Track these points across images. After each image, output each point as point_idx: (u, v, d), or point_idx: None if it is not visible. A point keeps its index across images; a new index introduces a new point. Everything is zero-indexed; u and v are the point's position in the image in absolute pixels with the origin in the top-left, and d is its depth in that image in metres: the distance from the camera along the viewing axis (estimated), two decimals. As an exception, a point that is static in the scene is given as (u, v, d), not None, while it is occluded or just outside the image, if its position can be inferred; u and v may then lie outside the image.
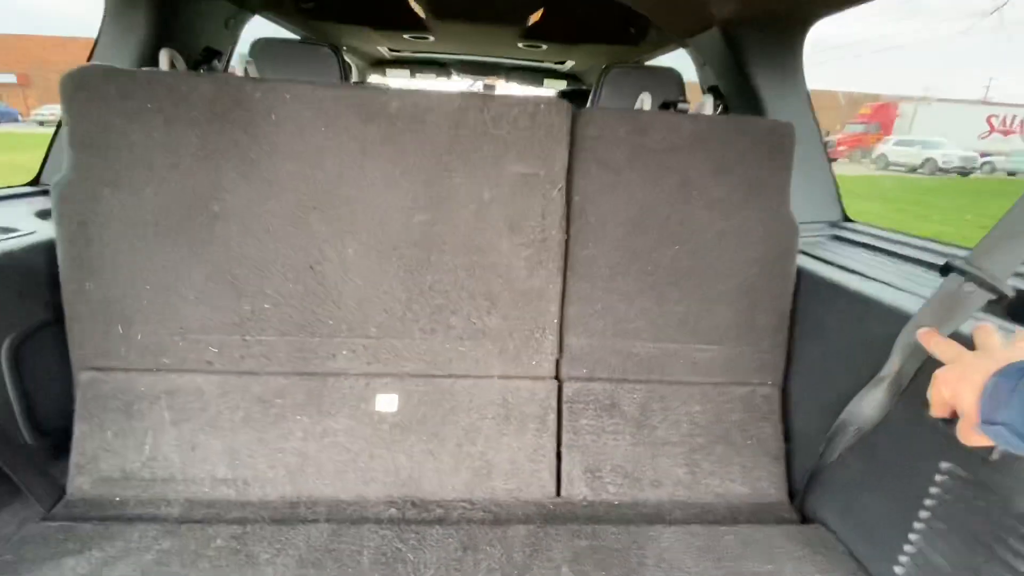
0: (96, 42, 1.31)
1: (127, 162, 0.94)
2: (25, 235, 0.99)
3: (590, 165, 1.03)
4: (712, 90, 1.67)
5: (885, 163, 19.22)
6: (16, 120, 19.96)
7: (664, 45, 2.02)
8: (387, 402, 1.01)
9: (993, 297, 0.73)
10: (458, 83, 3.42)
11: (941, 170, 17.56)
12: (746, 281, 1.08)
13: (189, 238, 0.96)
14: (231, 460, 0.99)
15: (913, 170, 18.06)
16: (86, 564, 0.79)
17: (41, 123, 18.59)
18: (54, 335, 1.01)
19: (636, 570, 0.84)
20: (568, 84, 3.21)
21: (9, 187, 1.28)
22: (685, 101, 1.56)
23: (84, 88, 0.92)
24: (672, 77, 1.55)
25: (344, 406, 1.01)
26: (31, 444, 0.95)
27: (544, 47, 2.37)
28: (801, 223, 1.45)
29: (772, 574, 0.85)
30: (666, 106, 1.23)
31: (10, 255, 0.93)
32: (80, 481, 0.96)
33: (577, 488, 1.04)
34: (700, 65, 1.71)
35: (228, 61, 1.73)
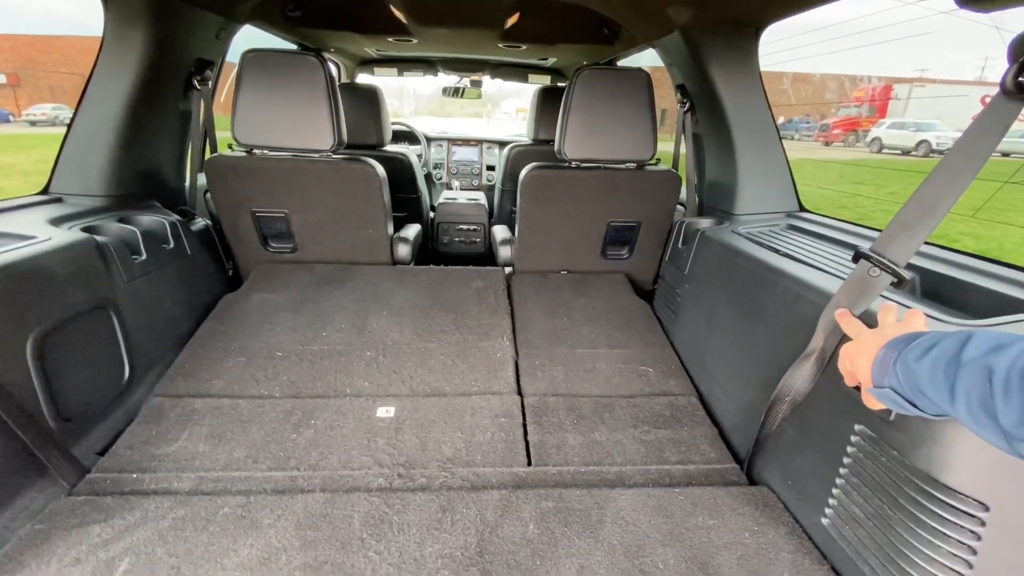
0: (98, 57, 1.40)
1: (277, 287, 1.73)
2: (43, 241, 1.09)
3: (517, 287, 1.86)
4: (679, 88, 1.77)
5: (879, 146, 19.20)
6: (8, 121, 19.86)
7: (636, 45, 2.10)
8: (385, 411, 1.28)
9: (895, 280, 0.84)
10: (445, 79, 3.49)
11: (935, 152, 17.55)
12: (628, 321, 1.73)
13: (293, 309, 1.64)
14: (248, 448, 1.14)
15: (907, 153, 18.05)
16: (110, 530, 0.90)
17: (33, 123, 18.49)
18: (73, 332, 1.12)
19: (595, 526, 0.96)
20: (552, 79, 3.27)
21: (23, 197, 1.37)
22: (652, 101, 1.65)
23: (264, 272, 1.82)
24: (641, 78, 1.64)
25: (351, 414, 1.26)
26: (54, 428, 1.05)
27: (524, 47, 2.45)
28: (758, 214, 1.57)
29: (715, 527, 0.97)
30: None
31: (31, 260, 1.03)
32: (106, 462, 1.08)
33: (546, 459, 1.16)
34: (668, 65, 1.80)
35: (219, 70, 1.81)
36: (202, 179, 1.80)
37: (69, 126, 1.43)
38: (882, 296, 0.90)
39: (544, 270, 1.98)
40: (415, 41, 2.40)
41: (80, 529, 0.90)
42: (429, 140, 3.67)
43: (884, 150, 18.85)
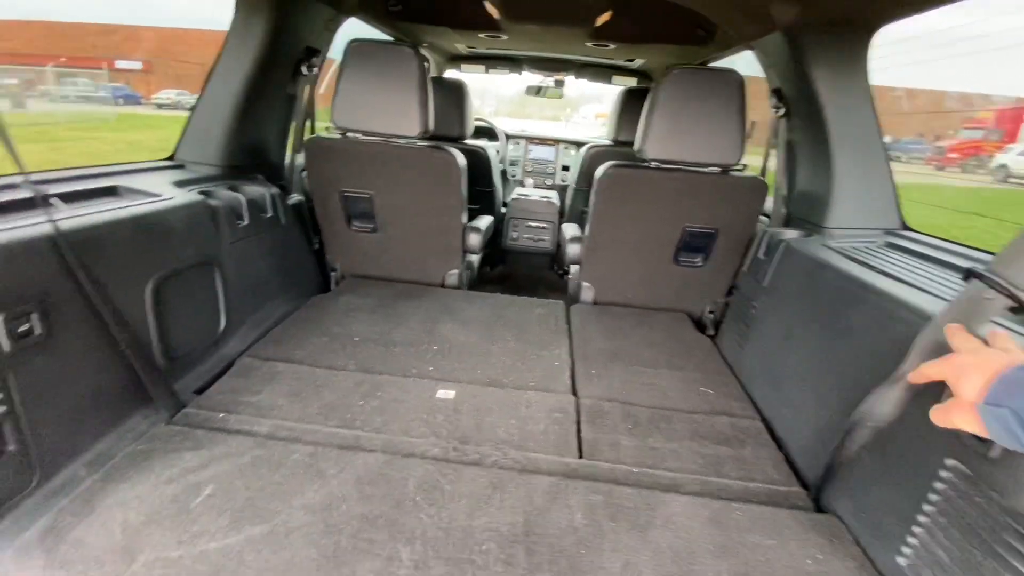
0: (225, 43, 1.56)
1: (360, 295, 1.94)
2: (167, 199, 1.24)
3: (575, 315, 1.92)
4: (776, 92, 1.68)
5: (1005, 175, 16.96)
6: (138, 103, 22.39)
7: (731, 46, 2.02)
8: (445, 393, 1.33)
9: (1013, 304, 0.75)
10: (529, 78, 3.53)
11: (1077, 186, 15.25)
12: (688, 350, 1.72)
13: (372, 310, 1.81)
14: (320, 407, 1.23)
15: (1039, 184, 15.86)
16: (198, 459, 1.00)
17: (159, 106, 20.75)
18: (184, 282, 1.26)
19: (644, 526, 0.94)
20: (638, 81, 3.22)
21: (153, 161, 1.56)
22: (744, 104, 1.59)
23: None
24: (733, 79, 1.58)
25: (414, 391, 1.33)
26: (162, 364, 1.19)
27: (612, 46, 2.43)
28: (852, 228, 1.46)
29: (774, 548, 0.91)
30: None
31: (157, 214, 1.17)
32: (200, 401, 1.21)
33: (598, 455, 1.15)
34: (765, 67, 1.72)
35: (324, 57, 1.96)
36: (299, 159, 1.95)
37: (196, 103, 1.61)
38: (992, 322, 0.82)
39: (610, 270, 1.97)
40: (505, 38, 2.45)
41: (175, 454, 1.01)
42: (508, 137, 3.73)
43: (1010, 179, 16.67)
